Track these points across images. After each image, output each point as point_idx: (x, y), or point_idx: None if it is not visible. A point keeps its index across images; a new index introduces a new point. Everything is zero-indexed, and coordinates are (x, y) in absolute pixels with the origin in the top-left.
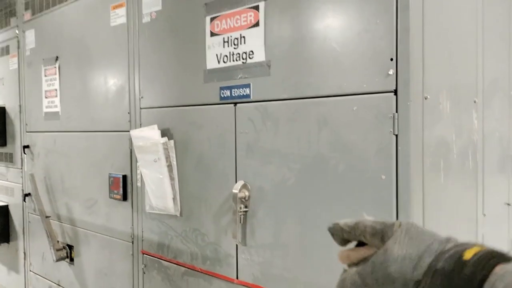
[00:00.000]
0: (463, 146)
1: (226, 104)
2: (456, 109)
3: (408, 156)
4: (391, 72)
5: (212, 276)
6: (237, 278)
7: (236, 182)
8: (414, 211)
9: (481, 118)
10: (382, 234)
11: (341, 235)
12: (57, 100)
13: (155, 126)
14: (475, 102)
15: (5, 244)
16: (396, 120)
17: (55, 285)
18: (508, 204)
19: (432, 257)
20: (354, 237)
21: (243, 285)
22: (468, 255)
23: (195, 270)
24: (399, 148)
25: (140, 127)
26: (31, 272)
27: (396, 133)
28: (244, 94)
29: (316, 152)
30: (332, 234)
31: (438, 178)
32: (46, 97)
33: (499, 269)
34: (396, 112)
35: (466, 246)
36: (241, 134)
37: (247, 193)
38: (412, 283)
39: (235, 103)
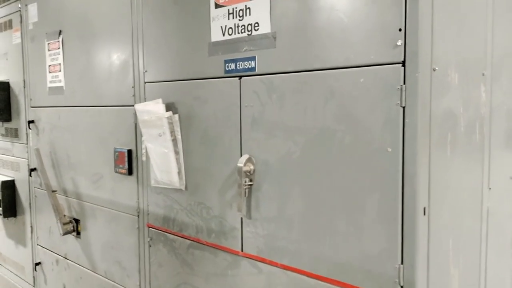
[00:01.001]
0: (471, 119)
1: (231, 78)
2: (464, 81)
3: (415, 129)
4: (399, 43)
5: (217, 248)
6: (242, 250)
7: (241, 155)
8: (420, 185)
9: (489, 91)
10: None
11: None
12: (61, 75)
13: (160, 100)
14: (483, 75)
15: (12, 218)
16: (403, 92)
17: (62, 258)
18: None
19: None
20: None
21: (248, 257)
22: None
23: (200, 243)
24: (406, 120)
25: (145, 101)
26: (38, 246)
27: (403, 105)
28: (249, 67)
29: (322, 124)
30: None
31: (444, 152)
32: (50, 72)
33: None
34: (404, 84)
35: None
36: (246, 107)
37: (252, 167)
38: None
39: (240, 77)
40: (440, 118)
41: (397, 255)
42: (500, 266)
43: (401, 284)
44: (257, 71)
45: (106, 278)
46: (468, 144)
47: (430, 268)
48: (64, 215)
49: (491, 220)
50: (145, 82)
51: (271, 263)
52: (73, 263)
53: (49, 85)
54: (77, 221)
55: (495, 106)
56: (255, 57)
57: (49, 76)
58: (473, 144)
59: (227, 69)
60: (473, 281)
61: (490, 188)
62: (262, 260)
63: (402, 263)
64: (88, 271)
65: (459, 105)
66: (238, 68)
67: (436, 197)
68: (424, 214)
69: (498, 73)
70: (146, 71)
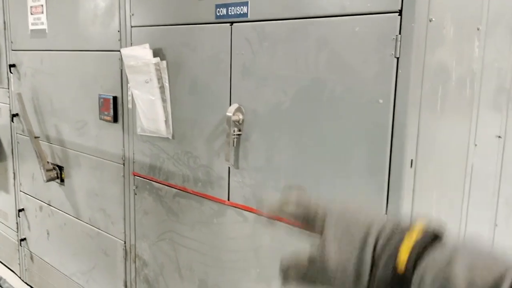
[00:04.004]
0: (462, 74)
1: (222, 24)
2: (459, 35)
3: (408, 80)
4: None
5: (204, 197)
6: (228, 199)
7: (230, 105)
8: (409, 137)
9: (483, 47)
10: (304, 220)
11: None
12: (43, 17)
13: (147, 45)
14: (478, 29)
15: None
16: (398, 42)
17: (46, 205)
18: (499, 137)
19: (369, 263)
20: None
21: (234, 206)
22: (402, 263)
23: (187, 192)
24: (399, 71)
25: (131, 46)
26: (21, 192)
27: (397, 55)
28: (241, 12)
29: (313, 74)
30: None
31: (435, 105)
32: (31, 14)
33: (429, 258)
34: (399, 33)
35: (398, 241)
36: (237, 55)
37: (241, 117)
38: None
39: (232, 23)
40: (433, 71)
41: (382, 205)
42: (479, 221)
43: None
44: (249, 17)
45: (90, 225)
46: (458, 100)
47: (413, 219)
48: (48, 162)
49: (474, 176)
50: (132, 26)
51: (257, 212)
52: (57, 209)
53: (31, 27)
54: (60, 168)
55: (487, 63)
56: (247, 2)
57: (31, 18)
58: (463, 100)
59: (218, 14)
60: (453, 233)
61: (476, 145)
62: (248, 209)
63: (386, 213)
64: (72, 218)
65: (452, 59)
66: (230, 13)
67: (423, 150)
68: (411, 166)
69: (493, 29)
70: (133, 15)
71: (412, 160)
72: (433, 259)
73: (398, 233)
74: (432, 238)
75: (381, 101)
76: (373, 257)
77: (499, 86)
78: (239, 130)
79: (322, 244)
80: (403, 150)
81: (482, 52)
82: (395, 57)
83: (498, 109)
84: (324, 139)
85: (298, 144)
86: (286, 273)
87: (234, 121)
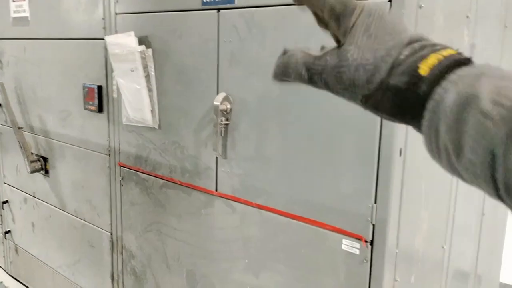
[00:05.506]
0: None
1: (209, 10)
2: (449, 22)
3: None
4: None
5: (191, 188)
6: (216, 190)
7: (217, 94)
8: (398, 125)
9: (472, 35)
10: (339, 18)
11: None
12: (25, 4)
13: (132, 33)
14: (467, 17)
15: None
16: None
17: (30, 196)
18: None
19: (387, 67)
20: (312, 6)
21: (222, 197)
22: (425, 67)
23: (174, 183)
24: None
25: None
26: (5, 184)
27: None
28: None
29: None
30: None
31: None
32: (13, 1)
33: (455, 74)
34: None
35: (426, 52)
36: (224, 43)
37: (229, 106)
38: (360, 96)
39: (218, 9)
40: None
41: (371, 194)
42: (467, 211)
43: (373, 223)
44: (236, 4)
45: (76, 216)
46: None
47: (402, 209)
48: (32, 153)
49: None
50: (116, 14)
51: (245, 203)
52: (41, 201)
53: (13, 15)
54: (45, 159)
55: (476, 52)
56: None
57: (12, 6)
58: None
59: (204, 1)
60: (442, 224)
61: None
62: (237, 200)
63: (375, 202)
64: (58, 209)
65: None
66: (217, 0)
67: (412, 139)
68: (400, 155)
69: (482, 17)
70: (117, 2)
71: (401, 149)
72: (459, 75)
73: (430, 48)
74: (464, 59)
75: None
76: (397, 58)
77: None
78: (227, 120)
79: (346, 39)
80: (392, 138)
81: (472, 40)
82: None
83: None
84: (313, 128)
85: (287, 133)
86: (285, 66)
87: (221, 110)
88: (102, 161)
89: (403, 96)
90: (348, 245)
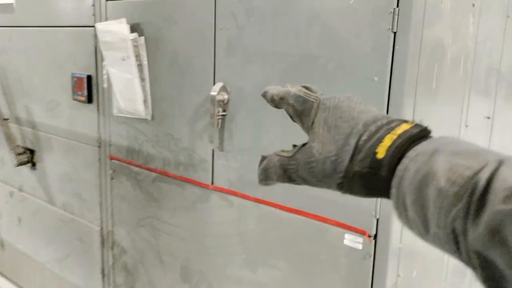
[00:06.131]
0: (457, 52)
1: None
2: (455, 10)
3: (405, 57)
4: None
5: (186, 181)
6: (212, 183)
7: (214, 83)
8: (406, 116)
9: (477, 24)
10: (301, 117)
11: (273, 104)
12: None
13: (124, 20)
14: (473, 5)
15: None
16: (396, 16)
17: (17, 190)
18: (488, 118)
19: (348, 156)
20: (283, 107)
21: (218, 191)
22: (381, 151)
23: (168, 176)
24: (396, 47)
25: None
26: None
27: (394, 30)
28: None
29: (304, 50)
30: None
31: (430, 84)
32: None
33: (412, 151)
34: (397, 6)
35: (382, 134)
36: (221, 30)
37: (226, 96)
38: (334, 186)
39: None
40: (430, 47)
41: None
42: None
43: (377, 217)
44: None
45: (65, 211)
46: (452, 78)
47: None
48: (18, 145)
49: None
50: (107, 0)
51: (243, 196)
52: (29, 195)
53: None
54: (32, 151)
55: (480, 41)
56: None
57: None
58: (456, 79)
59: None
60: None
61: (467, 126)
62: (234, 193)
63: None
64: (45, 204)
65: (448, 36)
66: None
67: None
68: None
69: (487, 5)
70: None
71: None
72: (417, 152)
73: (385, 128)
74: (417, 133)
75: (376, 78)
76: (356, 145)
77: (490, 66)
78: (224, 111)
79: (310, 136)
80: None
81: (476, 29)
82: (392, 31)
83: (487, 89)
84: None
85: (287, 124)
86: (266, 171)
87: (218, 101)
88: (91, 154)
89: (368, 179)
90: (351, 240)
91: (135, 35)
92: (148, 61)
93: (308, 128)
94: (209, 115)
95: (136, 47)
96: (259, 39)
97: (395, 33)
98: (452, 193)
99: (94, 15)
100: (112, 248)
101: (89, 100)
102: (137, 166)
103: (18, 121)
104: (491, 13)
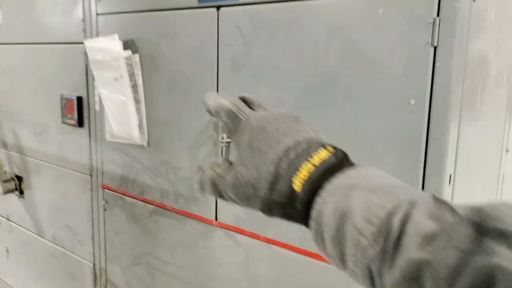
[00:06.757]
0: (501, 67)
1: (207, 8)
2: (500, 19)
3: (449, 75)
4: None
5: (186, 216)
6: (216, 219)
7: None
8: (449, 147)
9: None
10: (231, 135)
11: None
12: None
13: (116, 36)
14: None
15: None
16: (436, 27)
17: (4, 219)
18: None
19: (267, 184)
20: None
21: (223, 227)
22: (298, 183)
23: (166, 209)
24: (437, 64)
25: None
26: None
27: (435, 44)
28: None
29: (323, 68)
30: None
31: (474, 105)
32: None
33: (330, 184)
34: (438, 16)
35: (299, 162)
36: (225, 46)
37: None
38: (258, 208)
39: (218, 7)
40: (474, 63)
41: None
42: None
43: None
44: (240, 0)
45: (55, 243)
46: (495, 98)
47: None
48: (5, 172)
49: (505, 186)
50: (98, 14)
51: (251, 235)
52: (16, 225)
53: None
54: (19, 178)
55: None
56: None
57: None
58: (500, 98)
59: None
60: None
61: (507, 151)
62: (241, 231)
63: None
64: (34, 235)
65: (492, 48)
66: None
67: (462, 162)
68: (449, 183)
69: None
70: (99, 0)
71: (450, 176)
72: (334, 186)
73: (304, 155)
74: (335, 162)
75: (412, 101)
76: (275, 173)
77: None
78: (229, 138)
79: (237, 157)
80: (442, 163)
81: None
82: (432, 46)
83: None
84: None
85: None
86: (201, 184)
87: (222, 126)
88: (83, 182)
89: (286, 209)
90: None
91: (128, 52)
92: (144, 81)
93: (236, 148)
94: (212, 141)
95: (130, 65)
96: (270, 56)
97: (435, 47)
98: (368, 233)
99: (84, 30)
100: (105, 287)
101: (80, 123)
102: (132, 197)
103: (4, 145)
104: None
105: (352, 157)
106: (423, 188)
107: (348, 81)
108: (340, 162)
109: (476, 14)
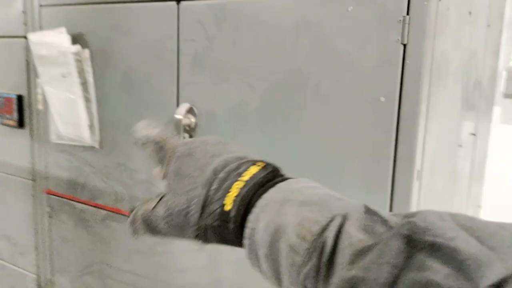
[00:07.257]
0: (458, 65)
1: (165, 1)
2: (458, 18)
3: (418, 72)
4: None
5: None
6: None
7: (177, 105)
8: (418, 142)
9: (471, 35)
10: (160, 163)
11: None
12: None
13: (63, 30)
14: (470, 13)
15: None
16: (406, 25)
17: None
18: (474, 135)
19: (198, 208)
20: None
21: None
22: (229, 203)
23: (121, 214)
24: (406, 61)
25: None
26: None
27: (405, 42)
28: None
29: (291, 66)
30: None
31: (438, 102)
32: None
33: (262, 199)
34: (408, 14)
35: (229, 183)
36: (186, 42)
37: (193, 120)
38: (192, 237)
39: (178, 0)
40: (438, 61)
41: None
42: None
43: None
44: None
45: None
46: (453, 95)
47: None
48: None
49: (458, 181)
50: (41, 6)
51: None
52: None
53: None
54: None
55: (472, 53)
56: None
57: None
58: (456, 95)
59: None
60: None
61: (460, 145)
62: None
63: None
64: None
65: (451, 46)
66: None
67: (429, 158)
68: (417, 179)
69: (476, 13)
70: None
71: (418, 171)
72: (266, 201)
73: (234, 174)
74: (265, 176)
75: (382, 99)
76: (206, 196)
77: (476, 80)
78: (191, 137)
79: (167, 188)
80: (411, 160)
81: (470, 41)
82: (401, 43)
83: (472, 105)
84: (306, 149)
85: (271, 154)
86: (132, 225)
87: (184, 126)
88: (24, 188)
89: (221, 232)
90: None
91: (77, 47)
92: (95, 78)
93: (164, 170)
94: None
95: (79, 61)
96: (234, 53)
97: (405, 45)
98: (302, 250)
99: (25, 23)
100: None
101: (20, 124)
102: (81, 202)
103: None
104: (479, 23)
105: (322, 156)
106: (393, 184)
107: (316, 79)
108: (271, 176)
109: (441, 13)
